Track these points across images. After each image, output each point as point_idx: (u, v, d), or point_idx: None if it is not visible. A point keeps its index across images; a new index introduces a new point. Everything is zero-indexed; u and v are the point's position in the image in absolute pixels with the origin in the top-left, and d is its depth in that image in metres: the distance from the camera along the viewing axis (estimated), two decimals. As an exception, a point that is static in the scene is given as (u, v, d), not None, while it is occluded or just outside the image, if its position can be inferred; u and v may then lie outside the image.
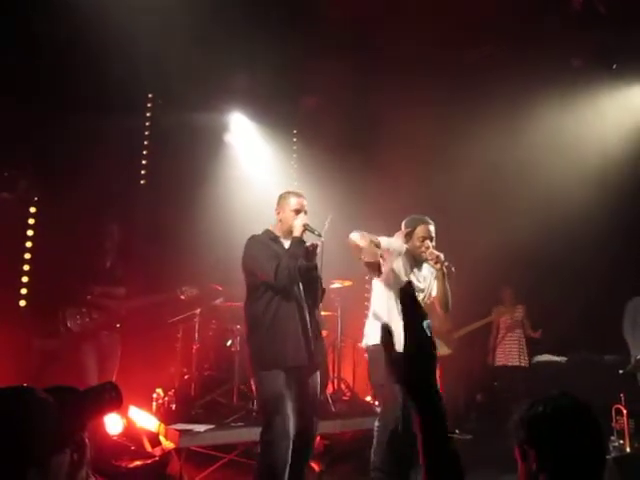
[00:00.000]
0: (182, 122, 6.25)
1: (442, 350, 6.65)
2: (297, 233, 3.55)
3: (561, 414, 1.51)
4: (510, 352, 6.84)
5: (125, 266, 5.09)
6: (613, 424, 4.70)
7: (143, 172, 6.56)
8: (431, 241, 3.98)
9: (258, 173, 6.84)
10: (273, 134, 7.04)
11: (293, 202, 3.67)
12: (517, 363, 6.78)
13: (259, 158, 6.97)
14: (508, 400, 6.29)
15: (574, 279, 6.65)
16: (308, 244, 3.61)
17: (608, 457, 3.61)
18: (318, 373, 3.69)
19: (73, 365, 4.80)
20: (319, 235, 3.57)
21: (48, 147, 5.53)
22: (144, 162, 6.58)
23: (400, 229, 4.11)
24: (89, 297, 4.84)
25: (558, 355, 6.65)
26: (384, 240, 3.84)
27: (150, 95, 6.70)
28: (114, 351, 4.96)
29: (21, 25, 5.20)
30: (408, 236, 4.00)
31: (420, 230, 3.98)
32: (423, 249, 3.92)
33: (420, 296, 4.04)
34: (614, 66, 5.68)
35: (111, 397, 1.66)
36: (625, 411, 4.63)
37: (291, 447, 3.39)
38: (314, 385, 3.64)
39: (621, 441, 4.59)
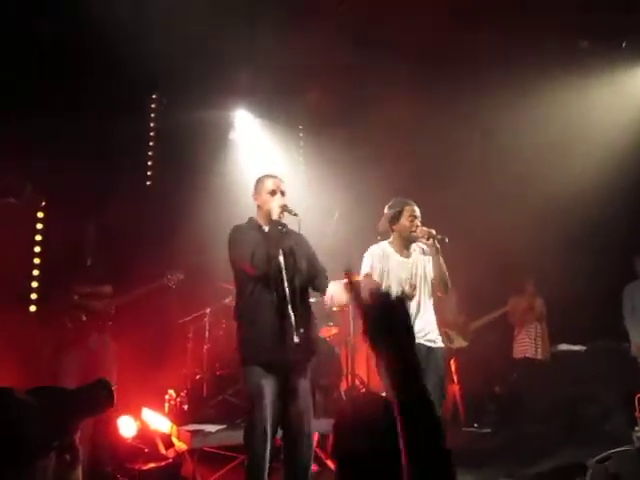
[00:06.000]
0: (187, 121, 6.20)
1: (458, 342, 6.55)
2: (274, 216, 3.42)
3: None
4: (529, 343, 6.69)
5: (110, 264, 4.88)
6: (636, 414, 4.56)
7: (149, 173, 6.53)
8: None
9: (265, 170, 6.78)
10: (278, 130, 6.98)
11: (268, 184, 3.53)
12: (536, 355, 6.64)
13: (265, 155, 6.91)
14: (527, 392, 6.17)
15: (592, 266, 6.50)
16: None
17: (631, 448, 3.48)
18: (306, 367, 3.42)
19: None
20: (295, 215, 3.44)
21: (54, 150, 5.51)
22: (149, 163, 6.55)
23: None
24: (76, 298, 4.63)
25: (577, 344, 6.51)
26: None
27: (154, 95, 6.67)
28: (104, 357, 4.64)
29: (25, 26, 5.20)
30: (395, 218, 4.08)
31: (407, 210, 4.07)
32: (414, 227, 4.02)
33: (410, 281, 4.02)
34: (624, 44, 5.55)
35: (102, 396, 1.60)
36: (649, 400, 4.48)
37: (284, 446, 3.31)
38: (299, 381, 3.36)
39: (645, 431, 4.44)
